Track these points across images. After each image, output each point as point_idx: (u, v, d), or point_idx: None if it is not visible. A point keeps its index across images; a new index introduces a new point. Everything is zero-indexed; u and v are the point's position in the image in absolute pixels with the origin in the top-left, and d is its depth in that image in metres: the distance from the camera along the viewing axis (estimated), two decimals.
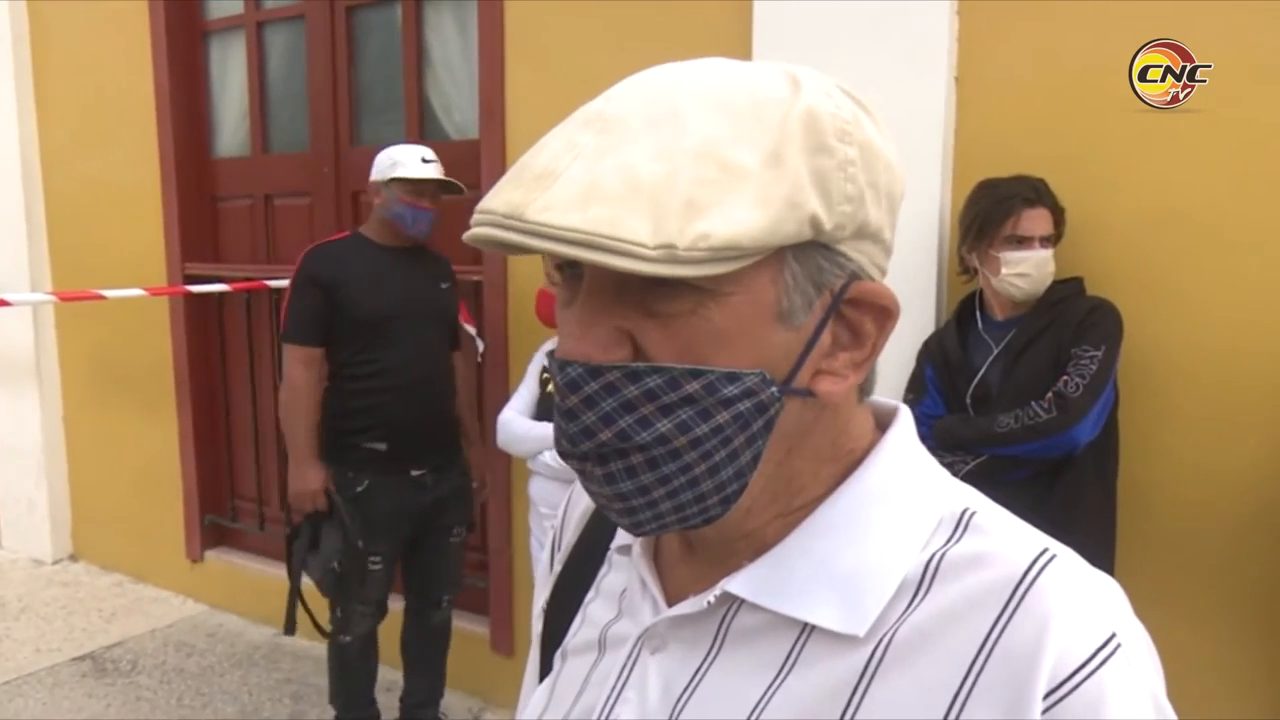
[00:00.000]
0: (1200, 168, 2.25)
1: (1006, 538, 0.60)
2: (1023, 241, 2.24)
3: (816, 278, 0.58)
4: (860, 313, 0.61)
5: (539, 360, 2.98)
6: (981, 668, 0.55)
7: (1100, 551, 2.20)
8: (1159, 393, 2.33)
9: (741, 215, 0.52)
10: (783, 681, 0.60)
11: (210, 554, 4.54)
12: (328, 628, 3.08)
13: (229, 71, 4.31)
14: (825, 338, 0.60)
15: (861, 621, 0.58)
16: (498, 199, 0.55)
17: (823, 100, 0.57)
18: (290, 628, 3.01)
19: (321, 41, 3.89)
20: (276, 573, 4.24)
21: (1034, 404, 2.16)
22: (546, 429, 2.78)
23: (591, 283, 0.58)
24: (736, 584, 0.63)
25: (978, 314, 2.40)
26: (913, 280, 2.54)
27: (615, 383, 0.56)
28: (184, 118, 4.30)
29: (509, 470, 3.50)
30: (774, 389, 0.58)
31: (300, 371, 2.91)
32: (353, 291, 2.88)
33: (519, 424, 2.88)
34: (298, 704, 3.63)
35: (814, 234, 0.56)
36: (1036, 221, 2.25)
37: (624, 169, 0.53)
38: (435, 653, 3.26)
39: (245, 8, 4.16)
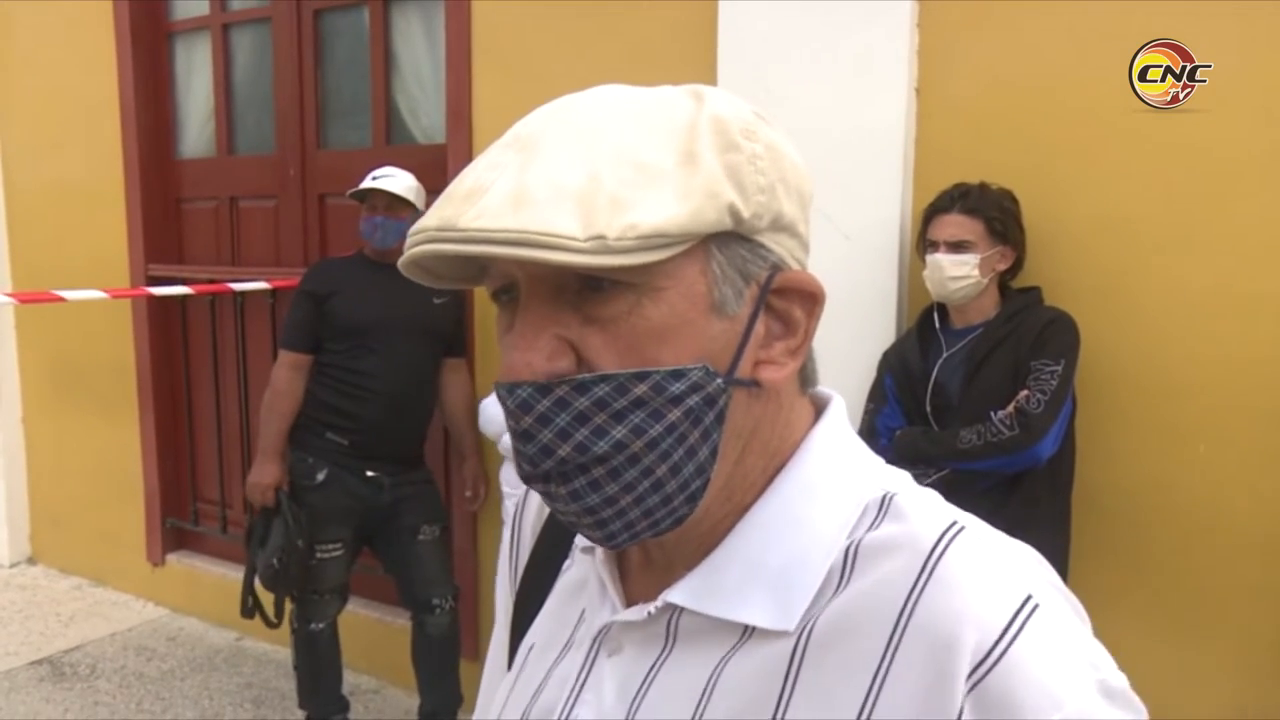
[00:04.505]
0: (1153, 178, 2.29)
1: (919, 516, 0.61)
2: (933, 245, 2.33)
3: (742, 268, 0.61)
4: (788, 301, 0.63)
5: None
6: (898, 643, 0.56)
7: (1055, 556, 2.22)
8: (1113, 400, 2.38)
9: (665, 206, 0.56)
10: (721, 677, 0.62)
11: (171, 557, 4.50)
12: (275, 620, 3.18)
13: (194, 72, 4.28)
14: (759, 328, 0.62)
15: (791, 616, 0.60)
16: (430, 219, 0.58)
17: (725, 106, 0.61)
18: (246, 610, 3.17)
19: (288, 44, 3.88)
20: (238, 576, 4.18)
21: (996, 419, 2.19)
22: None
23: (528, 295, 0.60)
24: (676, 594, 0.64)
25: (937, 323, 2.43)
26: (873, 290, 2.57)
27: (565, 396, 0.58)
28: (148, 118, 4.26)
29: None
30: (719, 380, 0.60)
31: (286, 374, 3.13)
32: (338, 302, 3.11)
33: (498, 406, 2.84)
34: (259, 708, 3.61)
35: (734, 224, 0.59)
36: (944, 227, 2.32)
37: (548, 177, 0.56)
38: (438, 663, 3.25)
39: (211, 9, 4.14)
